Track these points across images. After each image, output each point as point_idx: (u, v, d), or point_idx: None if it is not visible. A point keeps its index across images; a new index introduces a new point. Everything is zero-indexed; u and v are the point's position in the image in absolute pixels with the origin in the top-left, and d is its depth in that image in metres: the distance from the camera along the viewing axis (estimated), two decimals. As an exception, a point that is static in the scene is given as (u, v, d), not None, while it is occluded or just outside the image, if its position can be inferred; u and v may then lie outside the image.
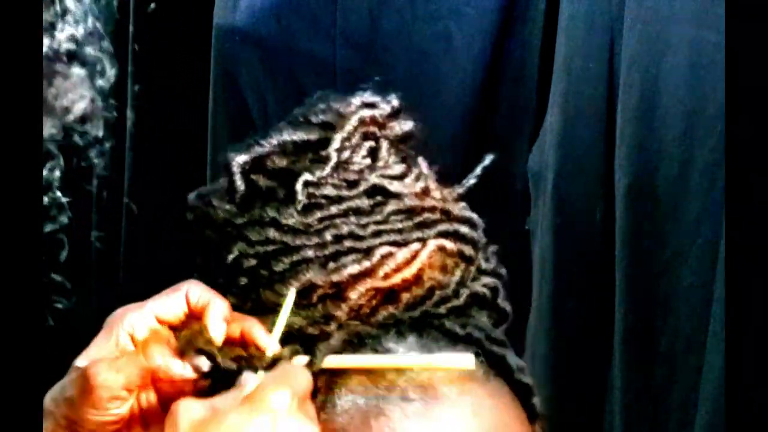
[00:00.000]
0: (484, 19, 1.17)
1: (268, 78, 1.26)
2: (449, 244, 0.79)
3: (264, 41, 1.25)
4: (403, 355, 0.75)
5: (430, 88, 1.17)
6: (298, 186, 0.78)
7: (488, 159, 0.85)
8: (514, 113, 1.18)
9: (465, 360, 0.73)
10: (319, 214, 0.78)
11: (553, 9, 1.13)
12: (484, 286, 0.80)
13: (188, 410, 0.67)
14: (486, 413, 0.75)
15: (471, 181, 0.83)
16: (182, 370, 0.73)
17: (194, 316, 0.75)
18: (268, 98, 1.27)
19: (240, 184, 0.79)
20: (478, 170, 0.84)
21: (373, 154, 0.81)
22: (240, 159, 0.79)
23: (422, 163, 0.83)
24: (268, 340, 0.74)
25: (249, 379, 0.71)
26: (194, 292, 0.75)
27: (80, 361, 0.73)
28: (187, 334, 0.74)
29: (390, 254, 0.77)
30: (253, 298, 0.78)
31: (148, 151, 1.45)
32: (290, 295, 0.75)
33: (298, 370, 0.71)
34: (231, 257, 0.78)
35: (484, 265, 0.81)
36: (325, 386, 0.74)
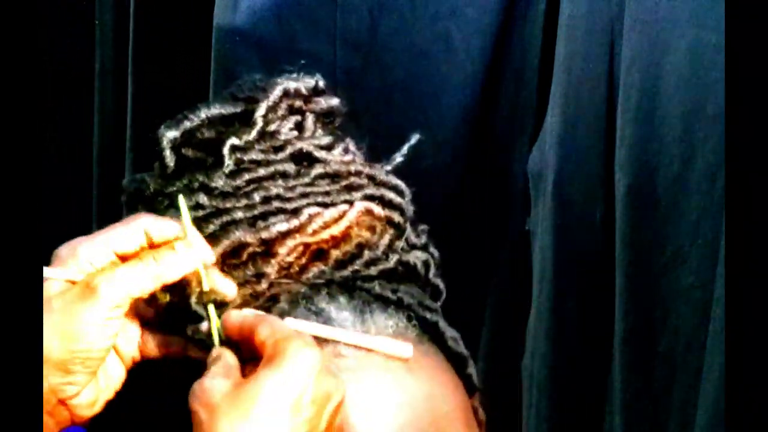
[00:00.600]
0: (484, 19, 1.17)
1: (268, 78, 1.26)
2: (376, 208, 0.81)
3: (264, 42, 1.25)
4: (347, 331, 0.76)
5: (430, 88, 1.17)
6: (225, 150, 0.80)
7: (415, 138, 0.87)
8: (514, 114, 1.18)
9: (403, 348, 0.75)
10: (246, 177, 0.80)
11: (553, 9, 1.12)
12: (416, 258, 0.82)
13: (212, 387, 0.68)
14: (420, 373, 0.76)
15: (398, 158, 0.86)
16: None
17: (152, 247, 0.75)
18: (268, 98, 1.27)
19: (170, 157, 0.81)
20: (405, 148, 0.86)
21: (299, 126, 0.84)
22: (169, 134, 0.82)
23: (350, 142, 0.85)
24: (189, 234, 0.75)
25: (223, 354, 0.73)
26: (155, 227, 0.75)
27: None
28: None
29: (318, 214, 0.79)
30: None
31: (149, 152, 1.45)
32: (181, 200, 0.76)
33: (299, 334, 0.72)
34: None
35: (413, 239, 0.83)
36: None
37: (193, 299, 0.77)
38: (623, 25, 1.04)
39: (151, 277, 0.73)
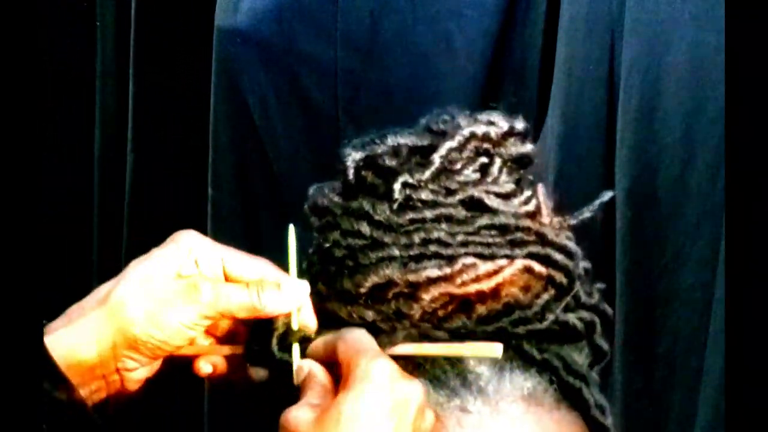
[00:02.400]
0: (485, 20, 1.17)
1: (269, 79, 1.26)
2: (537, 267, 0.78)
3: (265, 43, 1.26)
4: (436, 345, 0.75)
5: (431, 89, 1.18)
6: (396, 185, 0.78)
7: (608, 195, 0.85)
8: (514, 115, 1.18)
9: (493, 349, 0.74)
10: (411, 215, 0.78)
11: (553, 11, 1.13)
12: (580, 319, 0.79)
13: (298, 416, 0.69)
14: None
15: (586, 214, 0.84)
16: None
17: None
18: (269, 100, 1.27)
19: (351, 177, 0.80)
20: (596, 204, 0.84)
21: (484, 170, 0.81)
22: (355, 155, 0.80)
23: (539, 189, 0.82)
24: (290, 281, 0.77)
25: (311, 367, 0.73)
26: (272, 272, 0.77)
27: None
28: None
29: (473, 265, 0.77)
30: (336, 288, 0.78)
31: (150, 153, 1.45)
32: (290, 233, 0.76)
33: (363, 335, 0.72)
34: (326, 245, 0.79)
35: (583, 299, 0.81)
36: None
37: (274, 341, 0.77)
38: (623, 27, 1.04)
39: (249, 305, 0.76)
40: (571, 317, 0.79)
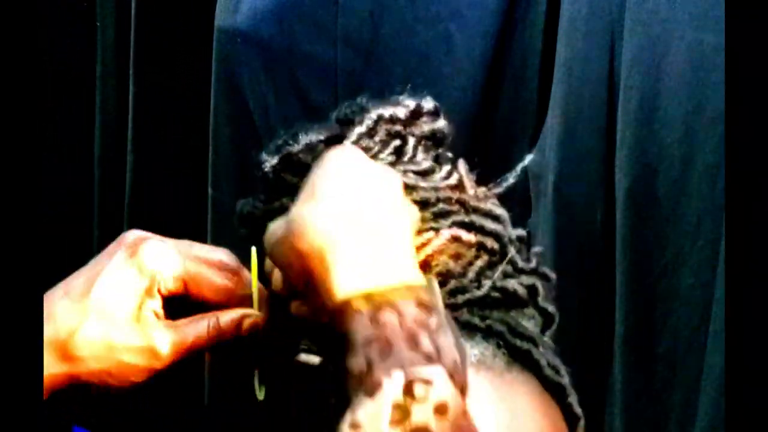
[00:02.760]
0: (485, 21, 1.16)
1: (269, 80, 1.26)
2: (465, 235, 0.78)
3: (265, 43, 1.25)
4: None
5: (431, 90, 1.16)
6: None
7: (528, 158, 0.86)
8: (514, 115, 1.18)
9: None
10: None
11: (553, 11, 1.12)
12: (521, 284, 0.80)
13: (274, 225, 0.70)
14: (506, 404, 0.74)
15: (510, 180, 0.84)
16: None
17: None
18: (269, 100, 1.27)
19: (270, 181, 0.81)
20: (519, 169, 0.84)
21: (399, 151, 0.81)
22: (272, 159, 0.81)
23: (460, 164, 0.83)
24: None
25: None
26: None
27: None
28: None
29: None
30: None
31: (150, 153, 1.45)
32: (252, 255, 0.77)
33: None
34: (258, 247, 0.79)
35: (521, 264, 0.81)
36: None
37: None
38: (623, 27, 1.04)
39: (209, 337, 0.75)
40: (512, 283, 0.79)
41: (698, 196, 0.98)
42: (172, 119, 1.43)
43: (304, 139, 0.81)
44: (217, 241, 0.80)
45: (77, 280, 0.76)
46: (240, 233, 0.83)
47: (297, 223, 0.68)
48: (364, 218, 0.68)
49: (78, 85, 1.53)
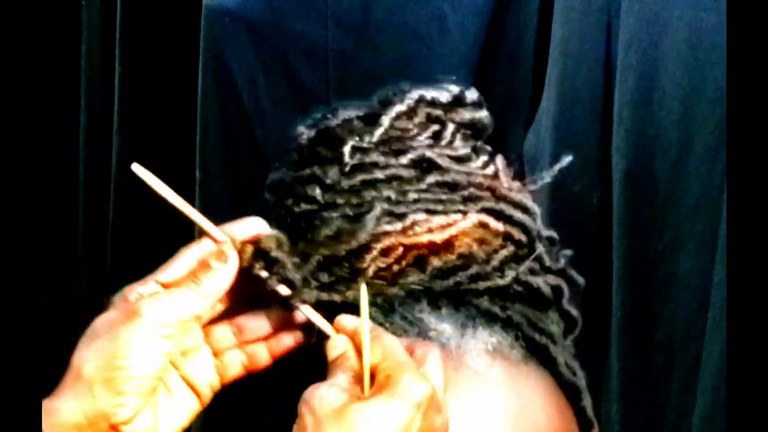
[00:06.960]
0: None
1: (258, 60, 1.25)
2: (492, 222, 0.79)
3: (254, 23, 1.24)
4: None
5: (424, 69, 1.17)
6: (345, 149, 0.80)
7: (566, 160, 0.86)
8: (509, 96, 1.17)
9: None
10: (361, 177, 0.79)
11: (549, -10, 1.11)
12: (546, 283, 0.80)
13: (323, 396, 0.68)
14: (519, 395, 0.75)
15: (546, 179, 0.84)
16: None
17: None
18: (258, 80, 1.26)
19: (304, 151, 0.82)
20: (555, 170, 0.86)
21: (437, 136, 0.82)
22: (309, 132, 0.82)
23: (498, 158, 0.84)
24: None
25: (347, 348, 0.73)
26: (196, 252, 0.78)
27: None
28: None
29: (425, 219, 0.78)
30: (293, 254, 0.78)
31: (137, 134, 1.44)
32: (362, 290, 0.75)
33: (398, 342, 0.72)
34: (282, 212, 0.81)
35: (548, 263, 0.81)
36: None
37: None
38: (620, 5, 1.03)
39: (194, 298, 0.74)
40: (537, 280, 0.80)
41: (697, 178, 0.98)
42: (159, 100, 1.42)
43: (342, 114, 0.82)
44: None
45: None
46: (267, 200, 0.83)
47: None
48: None
49: (62, 64, 1.52)
